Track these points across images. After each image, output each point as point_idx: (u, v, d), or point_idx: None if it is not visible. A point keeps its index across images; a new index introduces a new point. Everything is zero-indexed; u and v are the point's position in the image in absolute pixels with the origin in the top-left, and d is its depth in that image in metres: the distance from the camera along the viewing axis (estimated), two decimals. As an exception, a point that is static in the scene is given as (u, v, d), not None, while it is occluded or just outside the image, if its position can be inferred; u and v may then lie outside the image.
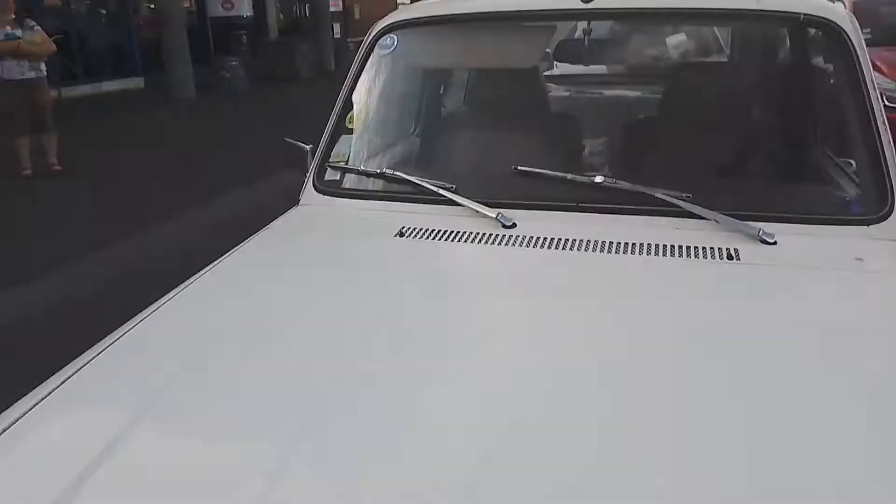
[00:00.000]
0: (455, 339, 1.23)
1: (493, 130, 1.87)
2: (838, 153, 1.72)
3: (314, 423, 0.98)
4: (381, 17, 2.03)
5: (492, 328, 1.26)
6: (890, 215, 1.51)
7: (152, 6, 14.31)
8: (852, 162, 1.64)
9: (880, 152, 1.56)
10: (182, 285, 1.49)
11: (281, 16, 20.65)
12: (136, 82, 13.01)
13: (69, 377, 1.14)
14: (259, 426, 1.01)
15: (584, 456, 0.91)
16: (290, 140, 2.11)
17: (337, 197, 1.84)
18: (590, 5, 1.80)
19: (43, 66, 6.41)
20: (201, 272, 1.55)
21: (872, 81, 1.65)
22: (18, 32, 6.18)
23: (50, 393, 1.10)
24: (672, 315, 1.26)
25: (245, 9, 18.57)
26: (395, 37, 2.00)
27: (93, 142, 8.10)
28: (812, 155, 1.76)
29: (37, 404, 1.07)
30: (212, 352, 1.20)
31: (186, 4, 16.63)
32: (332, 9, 19.56)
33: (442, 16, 2.01)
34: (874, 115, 1.60)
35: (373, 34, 2.02)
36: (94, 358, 1.20)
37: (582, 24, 1.97)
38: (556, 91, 2.58)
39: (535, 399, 1.02)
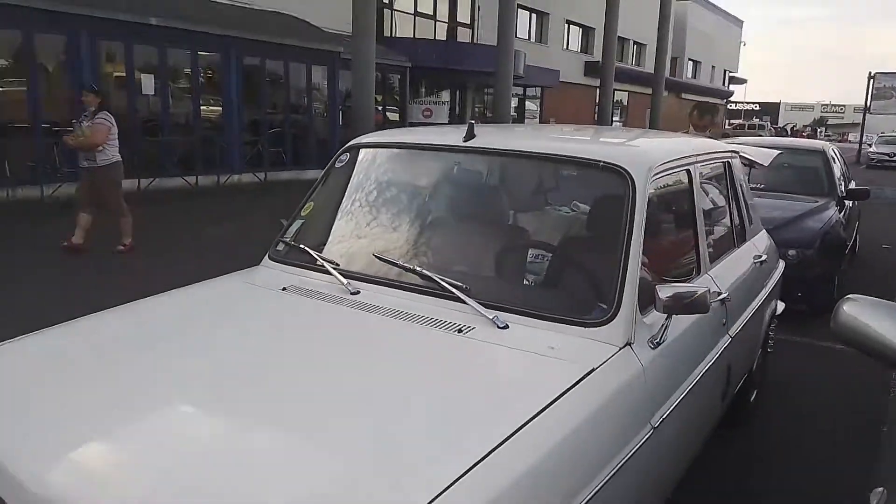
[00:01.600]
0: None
1: (377, 226, 2.54)
2: (593, 272, 2.14)
3: None
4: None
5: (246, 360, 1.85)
6: (608, 323, 1.92)
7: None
8: (597, 278, 2.08)
9: (618, 276, 1.98)
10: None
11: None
12: (332, 172, 15.18)
13: None
14: None
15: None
16: (283, 220, 2.93)
17: (277, 262, 2.58)
18: (465, 144, 2.47)
19: (98, 157, 6.61)
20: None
21: (641, 216, 2.07)
22: (80, 127, 6.65)
23: None
24: (367, 359, 1.85)
25: (443, 117, 20.94)
26: (347, 155, 2.78)
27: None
28: (570, 270, 2.20)
29: None
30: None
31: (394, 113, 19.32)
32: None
33: (377, 142, 2.80)
34: (627, 247, 2.02)
35: (339, 151, 2.82)
36: None
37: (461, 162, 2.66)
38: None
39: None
